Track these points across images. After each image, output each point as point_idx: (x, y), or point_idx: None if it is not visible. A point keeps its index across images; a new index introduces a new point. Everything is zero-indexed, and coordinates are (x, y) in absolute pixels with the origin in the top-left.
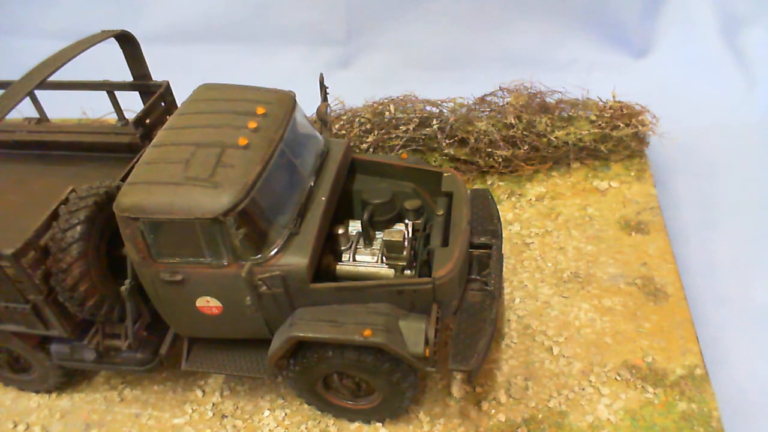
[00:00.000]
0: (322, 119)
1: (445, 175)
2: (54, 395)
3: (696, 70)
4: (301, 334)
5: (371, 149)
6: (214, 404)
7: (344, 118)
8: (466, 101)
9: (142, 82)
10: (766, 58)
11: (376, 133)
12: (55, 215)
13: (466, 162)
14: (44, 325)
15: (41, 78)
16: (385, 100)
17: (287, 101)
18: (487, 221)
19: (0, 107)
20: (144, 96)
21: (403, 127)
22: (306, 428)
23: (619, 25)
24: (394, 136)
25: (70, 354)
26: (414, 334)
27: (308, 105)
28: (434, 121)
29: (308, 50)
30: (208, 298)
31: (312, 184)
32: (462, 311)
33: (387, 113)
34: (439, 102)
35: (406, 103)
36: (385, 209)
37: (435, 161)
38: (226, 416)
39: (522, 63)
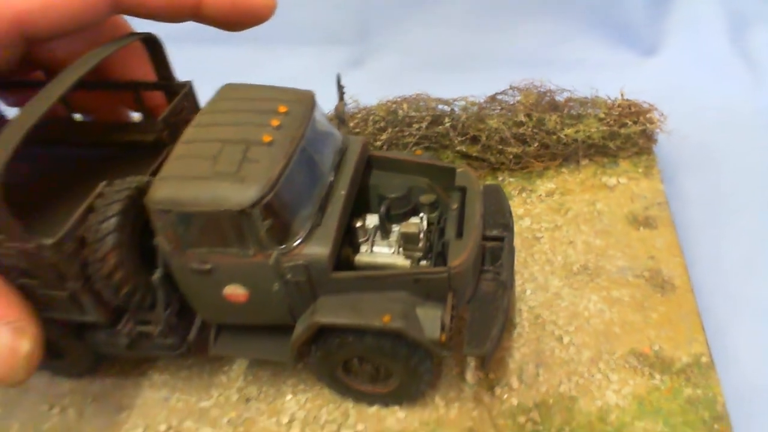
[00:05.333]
0: (340, 117)
1: (459, 170)
2: (86, 380)
3: (704, 69)
4: (324, 320)
5: (385, 146)
6: (238, 388)
7: (359, 116)
8: (478, 100)
9: (166, 82)
10: None
11: (390, 130)
12: (91, 208)
13: (478, 159)
14: (80, 311)
15: (73, 80)
16: (399, 99)
17: (307, 100)
18: (499, 215)
19: (34, 110)
20: (168, 95)
21: (416, 125)
22: (326, 411)
23: (628, 25)
24: (407, 133)
25: (105, 340)
26: (430, 321)
27: (323, 103)
28: (446, 119)
29: (322, 50)
30: (235, 286)
31: (332, 179)
32: (475, 300)
33: (400, 111)
34: (450, 101)
35: (418, 102)
36: (401, 203)
37: (447, 158)
38: (251, 399)
39: (532, 63)
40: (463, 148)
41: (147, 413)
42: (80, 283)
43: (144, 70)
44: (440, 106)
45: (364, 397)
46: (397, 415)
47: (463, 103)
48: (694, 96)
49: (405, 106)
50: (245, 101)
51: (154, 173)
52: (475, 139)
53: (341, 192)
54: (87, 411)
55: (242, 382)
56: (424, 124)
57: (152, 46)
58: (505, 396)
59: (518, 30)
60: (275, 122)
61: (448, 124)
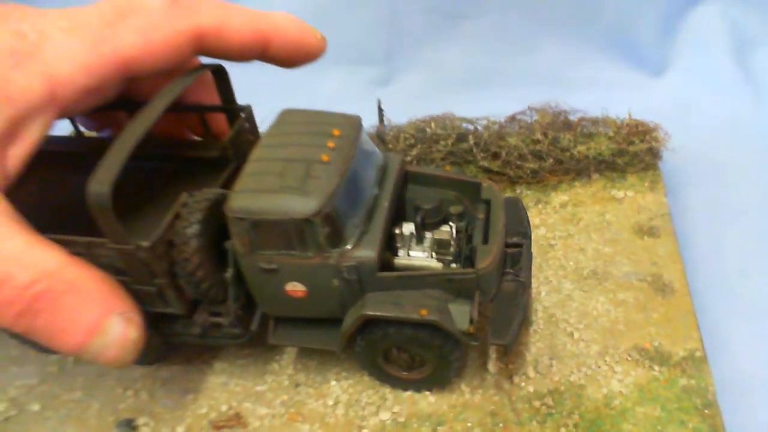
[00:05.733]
0: (380, 137)
1: (484, 185)
2: (155, 367)
3: (708, 89)
4: (371, 313)
5: (415, 161)
6: (289, 375)
7: (390, 133)
8: (498, 119)
9: (230, 105)
10: None
11: (419, 147)
12: (177, 215)
13: (498, 173)
14: (165, 304)
15: (165, 106)
16: (427, 118)
17: (356, 124)
18: (518, 224)
19: (134, 132)
20: (229, 117)
21: (442, 142)
22: (366, 395)
23: (638, 47)
24: (434, 150)
25: (179, 330)
26: (460, 315)
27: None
28: (470, 137)
29: (351, 69)
30: (295, 283)
31: (376, 192)
32: (498, 298)
33: (428, 130)
34: (474, 120)
35: (444, 121)
36: (433, 213)
37: (470, 172)
38: (300, 385)
39: (547, 81)
40: (485, 163)
41: (210, 395)
42: (167, 279)
43: (206, 93)
44: (464, 125)
45: (400, 383)
46: (428, 400)
47: (485, 121)
48: (698, 114)
49: (433, 124)
50: (304, 125)
51: (223, 185)
52: (496, 155)
53: (384, 203)
54: (157, 393)
55: (292, 369)
56: (450, 142)
57: (220, 74)
58: (523, 384)
59: (535, 50)
60: (331, 144)
61: (472, 142)
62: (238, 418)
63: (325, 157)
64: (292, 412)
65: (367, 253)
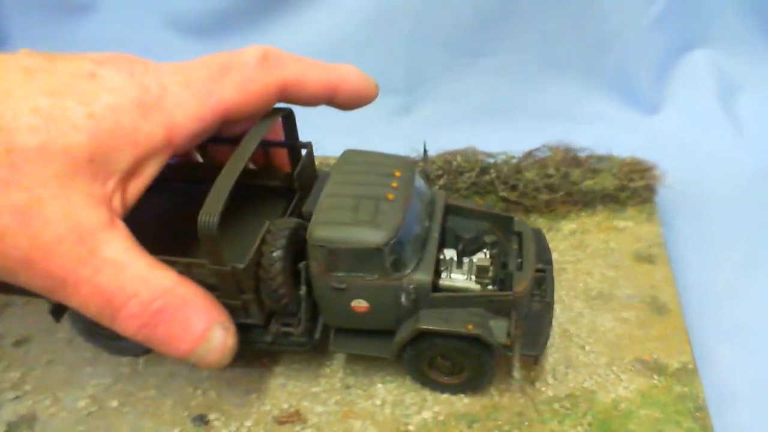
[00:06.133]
0: (426, 175)
1: (516, 219)
2: (221, 369)
3: (696, 128)
4: (426, 327)
5: (442, 190)
6: (340, 378)
7: (421, 164)
8: (516, 154)
9: (293, 143)
10: (756, 120)
11: (446, 177)
12: (263, 240)
13: (515, 203)
14: (247, 315)
15: (256, 144)
16: (453, 152)
17: (412, 166)
18: (543, 252)
19: (235, 168)
20: (290, 152)
21: (467, 174)
22: (409, 397)
23: (635, 88)
24: (459, 181)
25: (253, 338)
26: (499, 330)
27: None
28: (492, 171)
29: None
30: (361, 300)
31: (428, 224)
32: (529, 316)
33: (454, 163)
34: (494, 154)
35: (468, 154)
36: (471, 242)
37: (491, 200)
38: (350, 387)
39: (553, 116)
40: (504, 194)
41: (271, 395)
42: (253, 295)
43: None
44: (486, 159)
45: (439, 387)
46: (463, 401)
47: (504, 156)
48: (687, 150)
49: (458, 157)
50: (368, 165)
51: (292, 213)
52: (514, 187)
53: (434, 235)
54: (224, 392)
55: (342, 373)
56: (473, 174)
57: (289, 116)
58: (543, 389)
59: (543, 88)
60: (394, 184)
61: (493, 175)
62: (298, 415)
63: (390, 196)
64: (346, 410)
65: (424, 276)
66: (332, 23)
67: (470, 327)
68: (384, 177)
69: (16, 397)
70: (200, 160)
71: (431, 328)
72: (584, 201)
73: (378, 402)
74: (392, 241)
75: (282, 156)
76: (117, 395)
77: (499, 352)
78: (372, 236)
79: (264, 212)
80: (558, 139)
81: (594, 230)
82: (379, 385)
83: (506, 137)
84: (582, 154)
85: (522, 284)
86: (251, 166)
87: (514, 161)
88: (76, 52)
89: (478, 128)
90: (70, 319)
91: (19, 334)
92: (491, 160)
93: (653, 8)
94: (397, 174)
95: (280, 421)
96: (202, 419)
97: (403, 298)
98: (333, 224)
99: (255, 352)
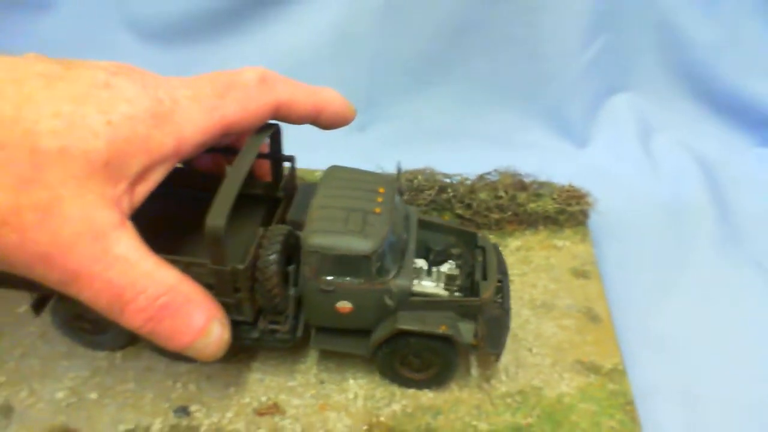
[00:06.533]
0: (400, 192)
1: (479, 234)
2: (199, 363)
3: (618, 161)
4: (404, 327)
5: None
6: (314, 374)
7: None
8: (470, 176)
9: (277, 155)
10: (668, 157)
11: (407, 194)
12: (260, 245)
13: (469, 220)
14: (239, 313)
15: (254, 155)
16: (414, 171)
17: (393, 183)
18: (500, 265)
19: (238, 175)
20: (273, 163)
21: (426, 192)
22: (379, 391)
23: (568, 122)
24: (420, 198)
25: (239, 334)
26: (467, 331)
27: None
28: (449, 190)
29: None
30: (345, 302)
31: (405, 236)
32: (490, 320)
33: (415, 181)
34: (451, 175)
35: (427, 174)
36: (440, 253)
37: (448, 217)
38: (324, 382)
39: (496, 142)
40: (460, 211)
41: (249, 388)
42: (248, 294)
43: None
44: (444, 179)
45: (408, 383)
46: (428, 395)
47: (459, 177)
48: (610, 181)
49: (419, 177)
50: (354, 181)
51: (280, 221)
52: (468, 206)
53: (411, 246)
54: (203, 386)
55: (316, 369)
56: (433, 192)
57: (276, 132)
58: (497, 385)
59: (487, 116)
60: (380, 199)
61: (451, 194)
62: (276, 407)
63: (377, 210)
64: (321, 403)
65: (404, 282)
66: (296, 39)
67: (444, 327)
68: (370, 193)
69: None
70: (179, 165)
71: (409, 328)
72: (528, 221)
73: (351, 396)
74: (379, 250)
75: (264, 166)
76: (96, 387)
77: (466, 351)
78: (361, 245)
79: (245, 218)
80: (499, 164)
81: (537, 247)
82: (351, 381)
83: (453, 159)
84: (527, 180)
85: (487, 291)
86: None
87: (468, 182)
88: (86, 60)
89: (427, 149)
90: (50, 312)
91: None
92: (448, 180)
93: (587, 53)
94: (381, 190)
95: (260, 413)
96: (183, 410)
97: (387, 300)
98: (326, 233)
99: (236, 349)
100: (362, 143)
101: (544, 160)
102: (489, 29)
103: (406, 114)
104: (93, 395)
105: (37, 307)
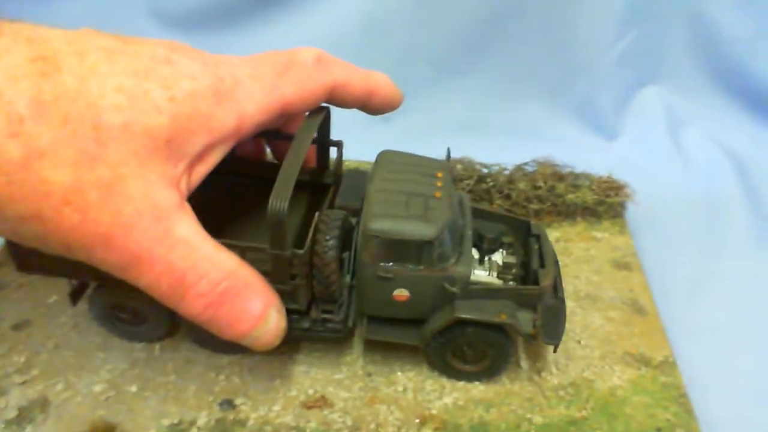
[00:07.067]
0: (453, 179)
1: (533, 222)
2: (240, 355)
3: (648, 154)
4: (463, 315)
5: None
6: (361, 366)
7: None
8: (508, 166)
9: (324, 140)
10: (699, 151)
11: None
12: (317, 229)
13: (507, 210)
14: (293, 301)
15: (311, 138)
16: (453, 160)
17: (450, 168)
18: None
19: (297, 159)
20: (319, 148)
21: (465, 182)
22: (428, 384)
23: (598, 115)
24: (458, 188)
25: (291, 324)
26: (526, 321)
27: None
28: (488, 180)
29: None
30: (403, 289)
31: (462, 222)
32: (547, 309)
33: (454, 171)
34: (489, 165)
35: (465, 163)
36: (492, 241)
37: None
38: (371, 374)
39: (525, 135)
40: (499, 202)
41: (295, 381)
42: (305, 281)
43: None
44: (483, 169)
45: (459, 375)
46: (478, 388)
47: (497, 168)
48: (640, 175)
49: (458, 166)
50: (410, 165)
51: (330, 206)
52: (507, 196)
53: (468, 232)
54: (247, 378)
55: (362, 361)
56: (471, 182)
57: (327, 115)
58: (549, 378)
59: (516, 107)
60: (439, 183)
61: (490, 184)
62: (324, 400)
63: (438, 194)
64: (371, 396)
65: (464, 269)
66: (322, 28)
67: (503, 316)
68: (429, 177)
69: (24, 382)
70: None
71: (468, 316)
72: (567, 212)
73: (400, 388)
74: (441, 236)
75: (311, 152)
76: (135, 380)
77: (525, 341)
78: (423, 230)
79: (290, 204)
80: (527, 156)
81: (576, 239)
82: (399, 373)
83: (481, 151)
84: (565, 171)
85: (547, 279)
86: (274, 161)
87: (507, 173)
88: (141, 37)
89: (453, 140)
90: (87, 302)
91: (17, 317)
92: (486, 170)
93: (619, 45)
94: (440, 174)
95: (308, 406)
96: (229, 403)
97: (448, 287)
98: (387, 217)
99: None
100: (386, 134)
101: (574, 152)
102: (520, 20)
103: (431, 105)
104: (133, 388)
105: (75, 296)
